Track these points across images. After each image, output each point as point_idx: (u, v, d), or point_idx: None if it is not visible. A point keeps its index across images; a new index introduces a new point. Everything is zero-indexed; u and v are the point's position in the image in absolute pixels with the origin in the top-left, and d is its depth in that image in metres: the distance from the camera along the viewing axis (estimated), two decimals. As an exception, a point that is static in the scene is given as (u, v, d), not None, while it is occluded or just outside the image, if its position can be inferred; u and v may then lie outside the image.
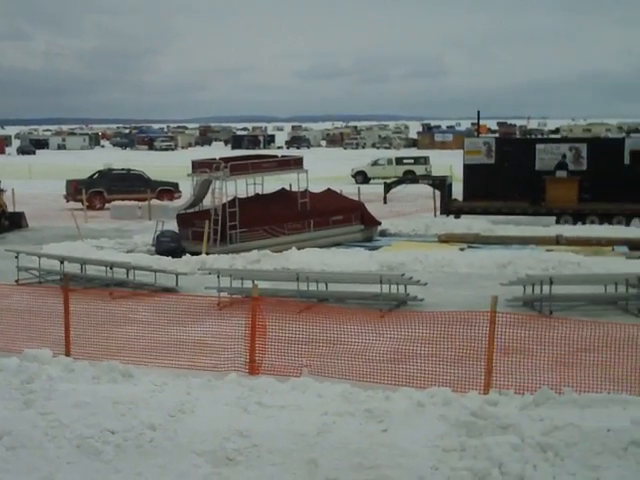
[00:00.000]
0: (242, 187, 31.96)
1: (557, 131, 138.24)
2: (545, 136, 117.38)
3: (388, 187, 42.77)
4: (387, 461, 9.45)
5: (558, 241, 30.10)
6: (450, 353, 14.71)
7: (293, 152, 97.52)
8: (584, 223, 34.89)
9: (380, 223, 34.19)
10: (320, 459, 9.61)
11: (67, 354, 15.58)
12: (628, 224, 34.68)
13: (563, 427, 9.96)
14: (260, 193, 32.78)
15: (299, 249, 27.77)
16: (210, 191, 30.35)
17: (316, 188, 33.97)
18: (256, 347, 14.82)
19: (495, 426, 10.19)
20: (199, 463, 9.80)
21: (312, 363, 14.68)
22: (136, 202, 44.40)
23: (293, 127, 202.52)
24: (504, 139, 59.21)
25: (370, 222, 33.52)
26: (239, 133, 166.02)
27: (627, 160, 37.38)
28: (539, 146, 39.64)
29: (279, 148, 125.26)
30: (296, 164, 32.84)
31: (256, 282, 17.76)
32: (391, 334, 15.84)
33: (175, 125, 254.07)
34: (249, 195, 32.43)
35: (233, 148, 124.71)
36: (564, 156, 37.83)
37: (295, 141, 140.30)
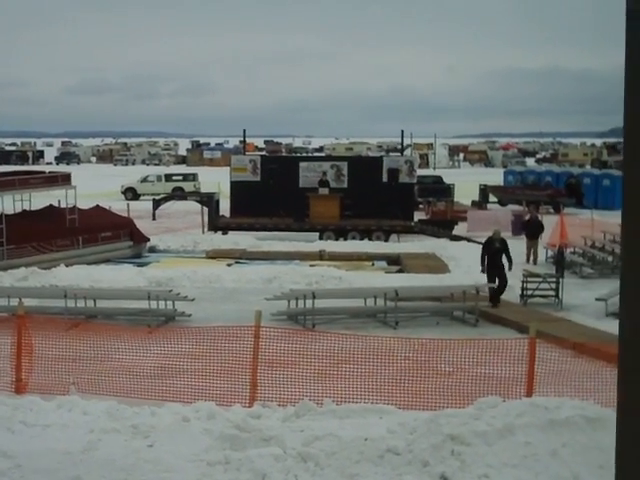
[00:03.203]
0: (9, 203, 31.18)
1: (321, 149, 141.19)
2: (309, 154, 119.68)
3: (157, 203, 42.74)
4: (152, 476, 9.59)
5: (321, 256, 30.94)
6: (216, 367, 14.93)
7: (63, 168, 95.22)
8: (346, 239, 35.94)
9: (149, 239, 34.12)
10: (85, 477, 9.64)
11: None
12: (387, 240, 36.02)
13: (323, 437, 10.39)
14: (27, 209, 32.06)
15: (67, 266, 27.43)
16: (-25, 207, 29.43)
17: (85, 204, 33.55)
18: (22, 366, 14.63)
19: (258, 438, 10.51)
20: (-39, 486, 9.64)
21: (79, 381, 14.61)
22: None
23: (63, 143, 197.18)
24: (269, 157, 60.23)
25: (139, 238, 33.40)
26: (7, 148, 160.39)
27: (385, 178, 38.84)
28: (302, 164, 40.61)
29: (48, 164, 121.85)
30: (64, 180, 32.38)
31: (23, 300, 17.48)
32: (159, 350, 15.96)
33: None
34: (16, 211, 31.65)
35: (0, 164, 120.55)
36: (325, 174, 38.89)
37: (65, 157, 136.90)
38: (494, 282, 22.54)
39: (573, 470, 9.65)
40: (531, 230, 30.24)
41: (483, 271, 22.98)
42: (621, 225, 1.47)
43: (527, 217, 33.26)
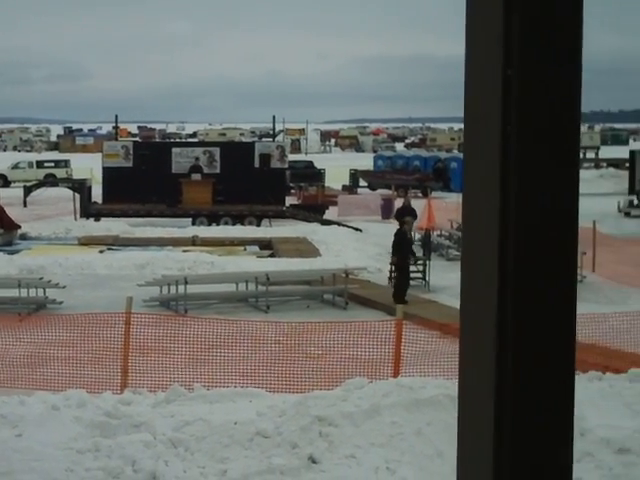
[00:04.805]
0: None
1: (194, 135, 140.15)
2: (183, 140, 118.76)
3: (28, 190, 42.15)
4: (21, 466, 9.56)
5: (194, 242, 30.96)
6: (87, 355, 14.94)
7: None
8: (218, 224, 35.94)
9: (20, 227, 33.55)
10: (-47, 468, 9.57)
11: None
12: (259, 225, 36.21)
13: (193, 422, 10.52)
14: None
15: None
16: None
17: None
18: None
19: (128, 425, 10.58)
20: None
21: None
22: None
23: None
24: (141, 143, 59.76)
25: (10, 226, 32.79)
26: None
27: (257, 163, 39.07)
28: (175, 150, 40.54)
29: None
30: None
31: None
32: (29, 338, 15.86)
33: None
34: None
35: None
36: (197, 159, 38.88)
37: None
38: (404, 276, 21.90)
39: (437, 448, 10.01)
40: (404, 217, 30.26)
41: (393, 263, 22.43)
42: (462, 209, 1.58)
43: (400, 204, 33.64)
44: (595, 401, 11.28)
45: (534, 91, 1.41)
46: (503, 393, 1.44)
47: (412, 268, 23.29)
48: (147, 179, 38.16)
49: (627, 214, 41.37)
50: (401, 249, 22.18)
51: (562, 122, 1.43)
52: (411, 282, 23.02)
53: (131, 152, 39.76)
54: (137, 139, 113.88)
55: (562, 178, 1.44)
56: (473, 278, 1.50)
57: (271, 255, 28.78)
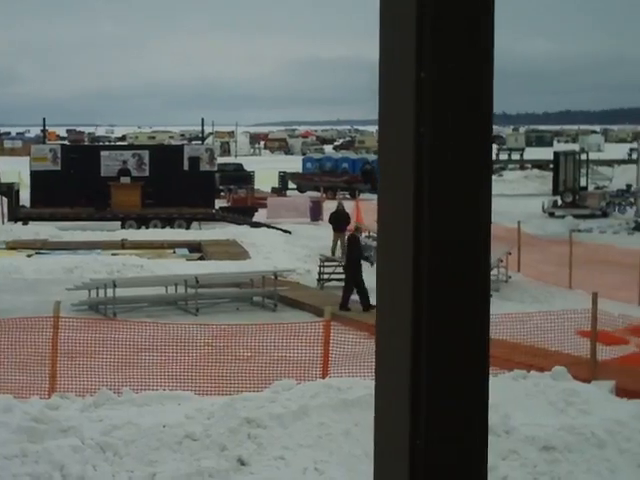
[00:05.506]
0: None
1: (124, 138, 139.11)
2: (112, 143, 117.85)
3: (-46, 195, 41.51)
4: (-52, 472, 9.46)
5: (123, 245, 30.79)
6: (15, 360, 14.76)
7: None
8: (148, 227, 35.84)
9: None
10: None
11: None
12: (188, 227, 36.12)
13: (122, 426, 10.49)
14: None
15: None
16: None
17: None
18: None
19: (56, 430, 10.50)
20: None
21: None
22: None
23: None
24: (69, 146, 59.11)
25: None
26: None
27: (186, 166, 38.98)
28: (104, 153, 40.30)
29: None
30: None
31: None
32: (-45, 344, 15.61)
33: None
34: None
35: None
36: (125, 162, 38.70)
37: None
38: (360, 284, 20.65)
39: (365, 448, 10.10)
40: (337, 222, 29.66)
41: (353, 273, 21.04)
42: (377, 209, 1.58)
43: (330, 206, 33.59)
44: (520, 399, 11.47)
45: (447, 93, 1.41)
46: (418, 392, 1.45)
47: (340, 270, 23.31)
48: (76, 182, 37.90)
49: (551, 214, 42.01)
50: (356, 257, 21.52)
51: (474, 123, 1.43)
52: (338, 283, 23.02)
53: (59, 155, 39.45)
54: (66, 142, 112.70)
55: (475, 178, 1.44)
56: (388, 278, 1.51)
57: (200, 258, 28.74)
